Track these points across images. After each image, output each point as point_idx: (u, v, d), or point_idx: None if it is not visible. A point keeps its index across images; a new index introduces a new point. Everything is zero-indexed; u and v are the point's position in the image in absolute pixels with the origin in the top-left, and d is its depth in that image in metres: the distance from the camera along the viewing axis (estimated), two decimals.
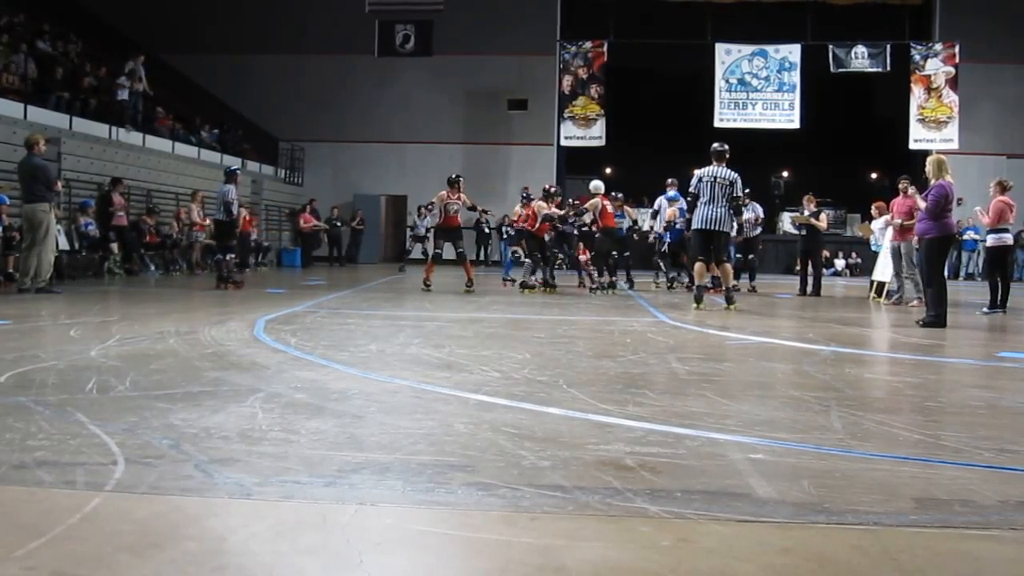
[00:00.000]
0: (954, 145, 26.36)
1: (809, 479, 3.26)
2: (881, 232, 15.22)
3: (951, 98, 27.17)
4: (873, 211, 15.68)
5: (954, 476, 3.40)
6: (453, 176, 14.89)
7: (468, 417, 4.29)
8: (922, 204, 10.02)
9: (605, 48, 27.97)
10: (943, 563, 2.51)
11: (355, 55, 28.07)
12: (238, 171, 14.59)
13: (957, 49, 27.02)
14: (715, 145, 11.69)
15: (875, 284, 14.94)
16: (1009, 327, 10.17)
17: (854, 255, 27.02)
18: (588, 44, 28.04)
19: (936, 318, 9.64)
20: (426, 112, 28.45)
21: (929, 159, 10.38)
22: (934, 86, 27.30)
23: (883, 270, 14.47)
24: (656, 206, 17.00)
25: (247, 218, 19.18)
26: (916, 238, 10.84)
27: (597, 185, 15.14)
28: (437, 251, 14.52)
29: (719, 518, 2.81)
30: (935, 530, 2.75)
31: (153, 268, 18.19)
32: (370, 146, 28.31)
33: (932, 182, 9.99)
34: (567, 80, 28.04)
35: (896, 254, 13.57)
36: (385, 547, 2.57)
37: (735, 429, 4.10)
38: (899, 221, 13.28)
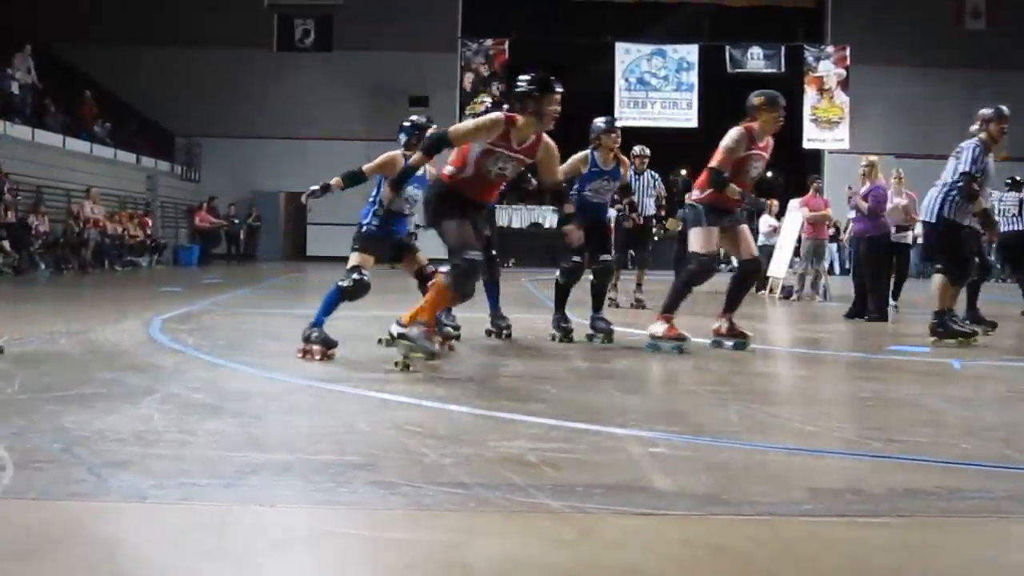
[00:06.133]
0: (845, 145, 27.34)
1: (707, 472, 3.32)
2: (772, 229, 15.61)
3: (842, 99, 28.11)
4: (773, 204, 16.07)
5: (845, 466, 3.52)
6: None
7: (370, 415, 4.26)
8: (863, 205, 10.39)
9: (506, 46, 28.06)
10: (835, 550, 2.59)
11: (252, 49, 27.51)
12: None
13: (848, 52, 27.97)
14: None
15: (769, 280, 14.71)
16: (900, 322, 10.52)
17: None
18: (489, 42, 28.11)
19: (878, 312, 10.27)
20: (326, 108, 28.01)
21: (863, 161, 10.88)
22: (826, 87, 28.20)
23: (779, 266, 14.66)
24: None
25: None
26: (846, 236, 11.54)
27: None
28: None
29: (620, 512, 2.84)
30: (828, 519, 2.83)
31: (43, 267, 17.58)
32: (269, 142, 27.72)
33: (866, 183, 10.54)
34: (468, 77, 28.06)
35: (809, 251, 13.88)
36: (286, 548, 2.53)
37: (635, 423, 4.15)
38: (810, 212, 13.70)
